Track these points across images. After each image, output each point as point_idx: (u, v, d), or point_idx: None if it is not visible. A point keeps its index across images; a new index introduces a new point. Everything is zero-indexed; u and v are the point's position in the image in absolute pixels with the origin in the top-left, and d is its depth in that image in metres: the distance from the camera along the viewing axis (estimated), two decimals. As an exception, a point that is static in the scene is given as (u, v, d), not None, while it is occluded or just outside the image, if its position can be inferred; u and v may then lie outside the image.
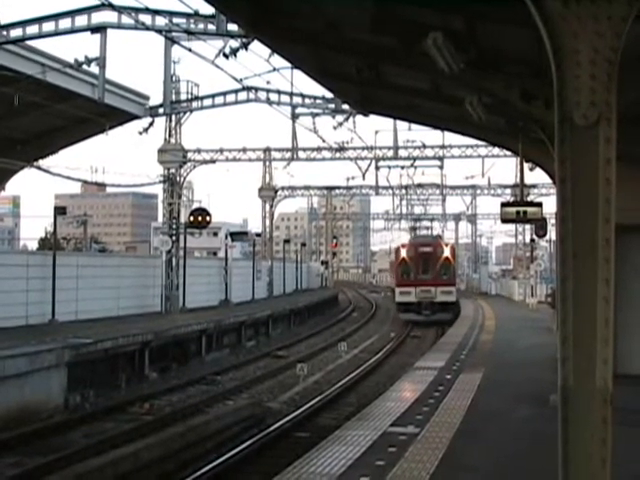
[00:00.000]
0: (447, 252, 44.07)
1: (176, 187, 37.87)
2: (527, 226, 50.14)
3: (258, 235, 56.89)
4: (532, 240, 51.19)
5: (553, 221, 30.28)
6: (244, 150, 45.48)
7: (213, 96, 36.01)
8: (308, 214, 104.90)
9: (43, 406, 18.29)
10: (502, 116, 12.91)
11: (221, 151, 43.85)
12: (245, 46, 22.75)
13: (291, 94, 34.84)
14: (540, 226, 34.66)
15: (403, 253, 44.38)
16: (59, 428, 17.02)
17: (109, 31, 26.05)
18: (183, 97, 35.90)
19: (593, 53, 4.16)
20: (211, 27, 25.73)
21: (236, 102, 35.61)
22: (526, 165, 21.14)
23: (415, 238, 52.82)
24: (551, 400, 10.48)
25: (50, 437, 16.19)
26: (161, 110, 35.74)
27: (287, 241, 67.21)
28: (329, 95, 31.63)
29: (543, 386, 11.97)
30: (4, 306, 25.37)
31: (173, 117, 36.79)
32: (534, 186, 50.76)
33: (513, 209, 15.27)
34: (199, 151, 42.45)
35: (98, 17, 25.82)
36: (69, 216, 55.26)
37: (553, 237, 45.45)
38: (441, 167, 47.73)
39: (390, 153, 45.56)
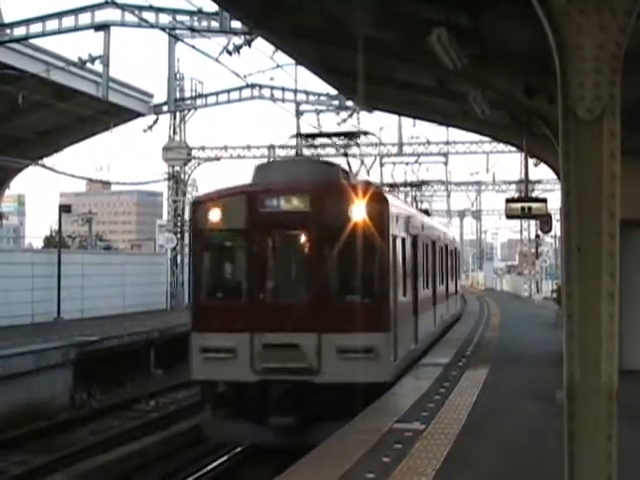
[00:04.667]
0: (362, 212, 12.40)
1: (181, 185, 37.94)
2: (532, 222, 50.03)
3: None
4: (537, 236, 51.18)
5: (558, 217, 30.22)
6: (248, 147, 45.40)
7: (217, 93, 36.08)
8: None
9: (49, 404, 18.33)
10: (506, 111, 12.90)
11: (225, 148, 43.80)
12: (249, 43, 22.76)
13: (295, 91, 34.86)
14: (545, 222, 34.61)
15: (213, 218, 12.99)
16: (65, 426, 17.06)
17: (113, 29, 26.13)
18: (187, 95, 35.97)
19: (597, 47, 4.14)
20: (215, 24, 25.76)
21: (240, 99, 35.67)
22: (530, 161, 21.10)
23: (259, 171, 13.88)
24: (557, 396, 10.46)
25: (56, 435, 16.22)
26: (165, 108, 35.83)
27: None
28: (333, 92, 31.64)
29: (549, 382, 11.94)
30: (10, 304, 25.42)
31: (177, 115, 36.86)
32: (539, 182, 50.56)
33: (518, 205, 15.26)
34: (203, 148, 42.42)
35: (102, 15, 25.91)
36: (74, 214, 55.38)
37: (558, 233, 45.39)
38: (446, 163, 47.64)
39: (394, 149, 45.50)
